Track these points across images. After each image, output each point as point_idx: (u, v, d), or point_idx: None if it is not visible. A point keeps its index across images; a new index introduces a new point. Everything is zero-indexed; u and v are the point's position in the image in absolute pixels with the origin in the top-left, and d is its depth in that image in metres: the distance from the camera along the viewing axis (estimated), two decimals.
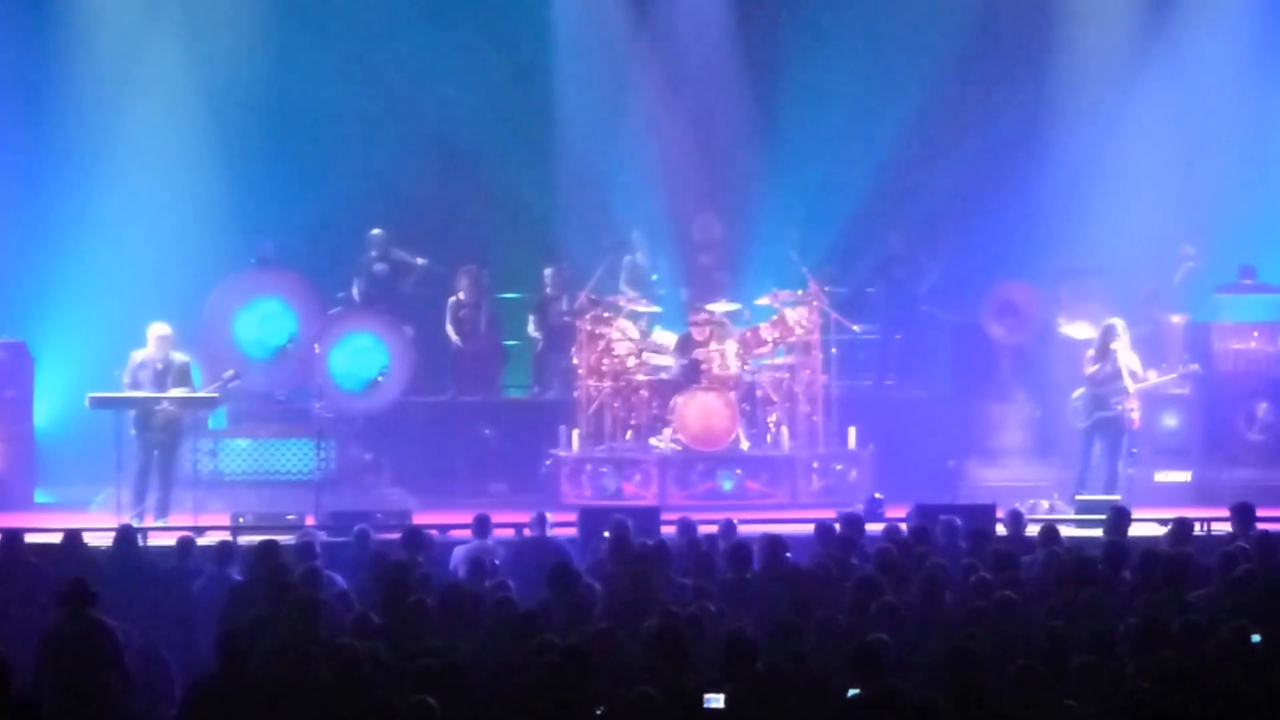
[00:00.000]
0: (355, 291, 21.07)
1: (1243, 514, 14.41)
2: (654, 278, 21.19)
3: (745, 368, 19.45)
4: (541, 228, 21.80)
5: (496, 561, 13.49)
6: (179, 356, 17.63)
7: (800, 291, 19.53)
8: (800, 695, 9.91)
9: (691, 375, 19.28)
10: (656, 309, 20.29)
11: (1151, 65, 21.45)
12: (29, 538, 14.21)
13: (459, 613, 11.37)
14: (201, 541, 14.44)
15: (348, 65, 21.62)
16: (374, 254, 21.14)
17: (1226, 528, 14.63)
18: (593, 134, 21.76)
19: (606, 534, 13.93)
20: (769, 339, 19.47)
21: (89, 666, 11.11)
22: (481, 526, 14.46)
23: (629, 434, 19.46)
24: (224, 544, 13.79)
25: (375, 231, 21.21)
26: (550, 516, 14.97)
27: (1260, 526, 14.34)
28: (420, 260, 21.17)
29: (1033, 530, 14.38)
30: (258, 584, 12.55)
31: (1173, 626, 10.51)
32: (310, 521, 16.50)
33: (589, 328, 19.53)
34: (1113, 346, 18.13)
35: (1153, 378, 18.59)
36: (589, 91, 21.80)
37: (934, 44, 21.64)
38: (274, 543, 13.20)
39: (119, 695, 11.18)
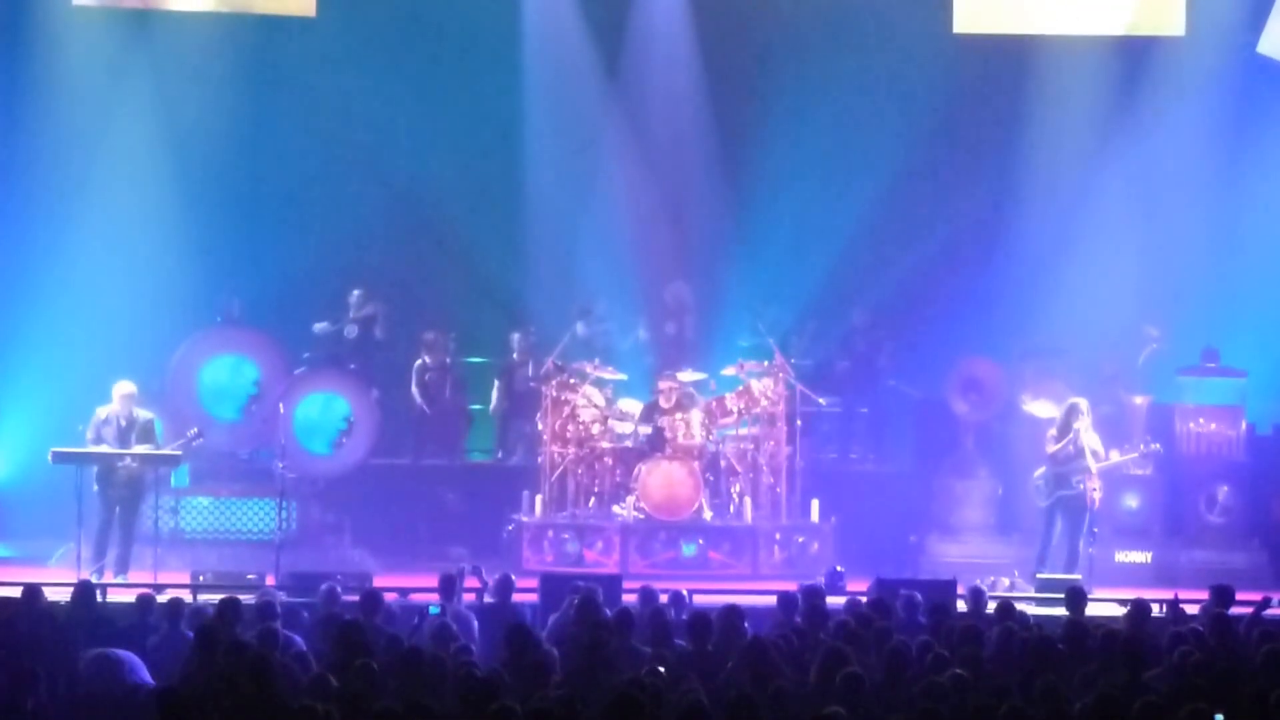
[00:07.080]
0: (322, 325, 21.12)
1: (1221, 596, 14.45)
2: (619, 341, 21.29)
3: (710, 437, 19.47)
4: (509, 293, 21.87)
5: (456, 626, 13.44)
6: (143, 413, 17.63)
7: (766, 363, 19.59)
8: None
9: (656, 444, 19.29)
10: (622, 376, 20.30)
11: (1116, 147, 21.62)
12: None
13: (418, 676, 11.33)
14: (161, 599, 14.37)
15: (317, 127, 21.68)
16: (350, 315, 21.21)
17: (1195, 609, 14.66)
18: (562, 201, 21.87)
19: (576, 600, 13.89)
20: (734, 409, 19.51)
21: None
22: (447, 587, 14.45)
23: (592, 501, 19.45)
24: (174, 601, 13.73)
25: (355, 292, 21.27)
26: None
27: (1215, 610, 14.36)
28: (368, 308, 21.16)
29: (993, 607, 14.41)
30: (214, 642, 12.49)
31: (1131, 707, 10.52)
32: (270, 581, 16.46)
33: (554, 394, 19.53)
34: (1076, 425, 18.19)
35: (1115, 457, 18.67)
36: (559, 158, 21.90)
37: (902, 123, 21.79)
38: (234, 601, 13.17)
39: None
